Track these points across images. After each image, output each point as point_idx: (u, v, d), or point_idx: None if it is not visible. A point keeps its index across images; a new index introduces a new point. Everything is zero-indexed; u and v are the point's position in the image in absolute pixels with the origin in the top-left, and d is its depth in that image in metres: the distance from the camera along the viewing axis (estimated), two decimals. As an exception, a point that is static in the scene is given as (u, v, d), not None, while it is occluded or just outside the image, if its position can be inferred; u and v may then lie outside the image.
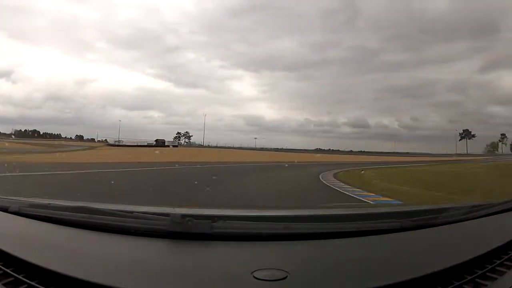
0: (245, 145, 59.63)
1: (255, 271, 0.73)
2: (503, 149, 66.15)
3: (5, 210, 1.16)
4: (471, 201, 1.47)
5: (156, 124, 73.47)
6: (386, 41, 75.38)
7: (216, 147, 55.70)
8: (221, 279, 0.74)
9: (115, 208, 1.14)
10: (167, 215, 0.96)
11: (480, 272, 0.78)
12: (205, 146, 56.48)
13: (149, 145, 45.34)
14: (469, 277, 0.76)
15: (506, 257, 0.86)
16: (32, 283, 0.73)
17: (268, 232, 0.97)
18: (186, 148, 52.72)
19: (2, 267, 0.79)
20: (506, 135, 64.62)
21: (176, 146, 52.53)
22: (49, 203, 1.22)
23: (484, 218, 1.17)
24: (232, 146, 57.20)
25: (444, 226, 1.08)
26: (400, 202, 6.58)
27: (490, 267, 0.81)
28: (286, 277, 0.71)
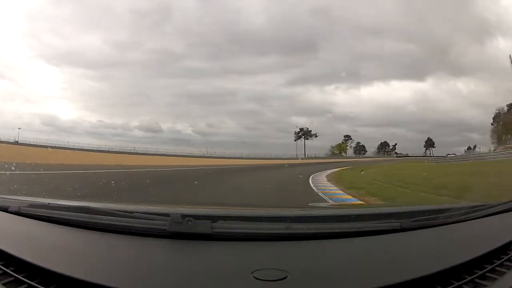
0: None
1: (255, 271, 0.73)
2: (347, 151, 64.65)
3: (5, 210, 1.16)
4: (471, 201, 1.47)
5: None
6: (192, 47, 73.17)
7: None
8: (221, 279, 0.74)
9: (115, 208, 1.14)
10: (167, 215, 0.96)
11: (479, 272, 0.78)
12: None
13: None
14: (469, 278, 0.76)
15: (505, 257, 0.86)
16: (32, 283, 0.73)
17: (268, 232, 0.97)
18: None
19: (2, 267, 0.79)
20: (351, 136, 63.35)
21: None
22: (49, 203, 1.22)
23: (484, 218, 1.17)
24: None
25: (444, 226, 1.08)
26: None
27: (489, 267, 0.81)
28: (286, 277, 0.71)
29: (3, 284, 0.73)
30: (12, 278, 0.75)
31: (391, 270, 0.79)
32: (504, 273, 0.79)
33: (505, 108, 44.04)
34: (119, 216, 1.03)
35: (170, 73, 76.91)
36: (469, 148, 53.93)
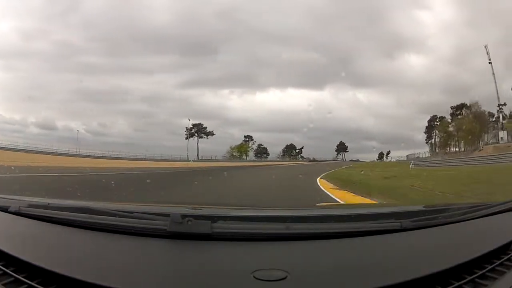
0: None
1: (255, 271, 0.73)
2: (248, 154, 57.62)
3: (5, 210, 1.16)
4: (471, 201, 1.47)
5: None
6: (92, 41, 70.21)
7: None
8: (221, 279, 0.74)
9: (115, 208, 1.14)
10: (167, 215, 0.96)
11: (479, 272, 0.78)
12: None
13: None
14: (469, 278, 0.76)
15: (505, 257, 0.86)
16: (32, 283, 0.73)
17: (268, 232, 0.97)
18: None
19: (2, 267, 0.79)
20: (253, 137, 56.62)
21: None
22: (49, 203, 1.22)
23: (484, 218, 1.17)
24: None
25: (444, 226, 1.08)
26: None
27: (489, 267, 0.81)
28: (286, 277, 0.71)
29: (3, 285, 0.73)
30: (12, 279, 0.75)
31: (391, 270, 0.79)
32: (504, 273, 0.79)
33: (448, 114, 43.14)
34: (119, 216, 1.03)
35: (68, 67, 71.87)
36: (381, 154, 53.53)
